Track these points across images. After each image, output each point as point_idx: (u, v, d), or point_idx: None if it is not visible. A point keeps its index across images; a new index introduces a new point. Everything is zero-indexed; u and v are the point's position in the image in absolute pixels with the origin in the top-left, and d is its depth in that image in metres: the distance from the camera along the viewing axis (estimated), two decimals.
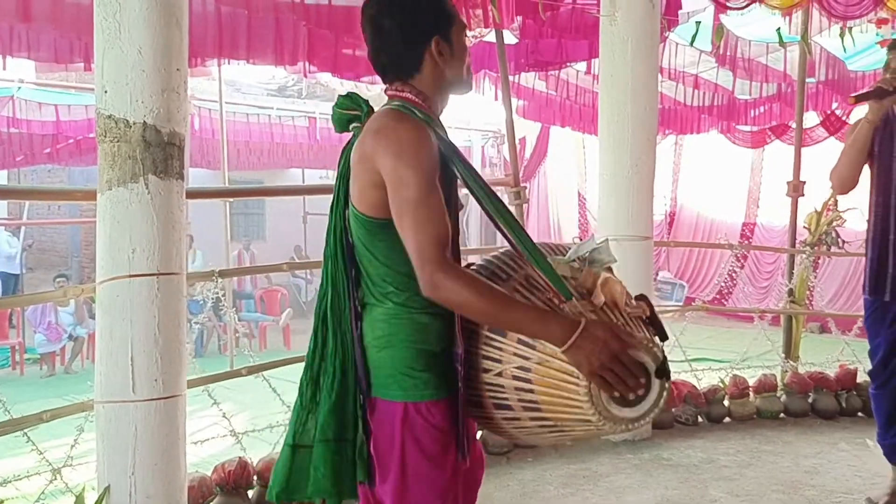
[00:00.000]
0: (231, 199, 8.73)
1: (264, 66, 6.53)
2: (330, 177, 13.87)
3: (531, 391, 1.61)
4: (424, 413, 1.68)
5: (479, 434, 4.09)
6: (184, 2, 2.71)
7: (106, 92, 2.57)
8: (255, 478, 3.46)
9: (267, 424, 3.91)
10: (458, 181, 1.78)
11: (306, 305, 13.73)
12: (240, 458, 3.45)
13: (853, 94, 3.33)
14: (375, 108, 1.80)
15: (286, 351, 9.51)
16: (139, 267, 2.60)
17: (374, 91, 15.09)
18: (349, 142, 1.80)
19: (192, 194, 3.14)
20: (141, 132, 2.55)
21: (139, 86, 2.55)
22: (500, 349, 1.64)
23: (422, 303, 1.67)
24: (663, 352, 1.62)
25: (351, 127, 1.80)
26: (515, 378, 1.62)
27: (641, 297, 1.74)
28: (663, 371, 1.60)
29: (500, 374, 1.64)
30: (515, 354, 1.61)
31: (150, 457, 2.65)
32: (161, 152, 2.60)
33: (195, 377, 3.43)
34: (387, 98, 1.78)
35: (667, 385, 1.62)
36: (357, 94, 1.81)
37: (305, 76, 7.13)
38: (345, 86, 15.52)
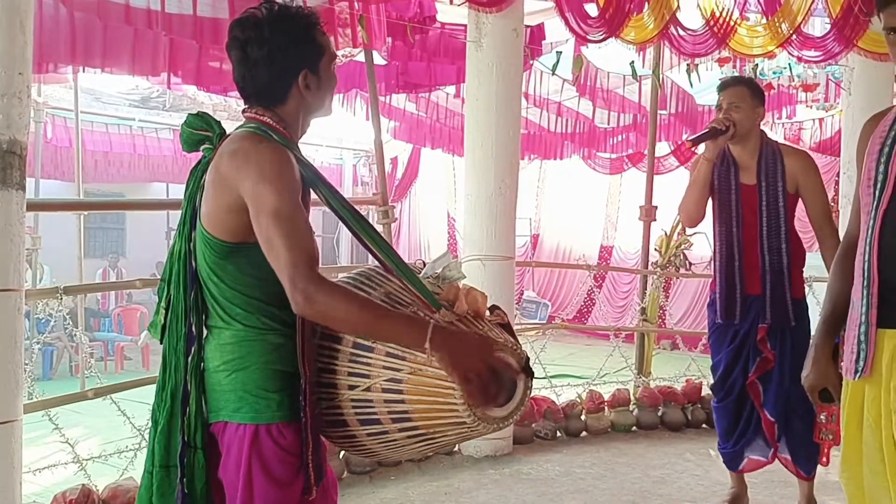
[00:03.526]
0: (85, 213, 8.28)
1: (123, 76, 6.28)
2: None
3: (402, 402, 1.65)
4: (275, 435, 1.67)
5: (341, 454, 4.06)
6: (29, 4, 2.57)
7: None
8: None
9: (116, 449, 3.72)
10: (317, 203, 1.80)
11: None
12: (83, 485, 3.26)
13: (689, 138, 3.50)
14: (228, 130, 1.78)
15: (144, 372, 9.08)
16: None
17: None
18: (198, 162, 1.77)
19: (36, 206, 2.96)
20: None
21: None
22: (368, 364, 1.66)
23: (272, 324, 1.68)
24: (525, 352, 1.72)
25: (202, 148, 1.76)
26: (386, 391, 1.65)
27: (494, 308, 1.81)
28: (527, 370, 1.70)
29: (368, 389, 1.66)
30: (385, 367, 1.64)
31: None
32: None
33: (35, 401, 3.22)
34: (246, 118, 1.76)
35: (530, 383, 1.72)
36: (209, 115, 1.79)
37: (169, 87, 6.88)
38: (213, 100, 15.13)
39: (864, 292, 1.88)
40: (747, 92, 3.40)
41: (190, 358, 1.72)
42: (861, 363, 1.85)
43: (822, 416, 3.11)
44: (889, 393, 1.82)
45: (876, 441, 1.84)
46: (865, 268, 1.88)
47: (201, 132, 1.76)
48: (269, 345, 1.68)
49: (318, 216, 17.25)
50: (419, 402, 1.64)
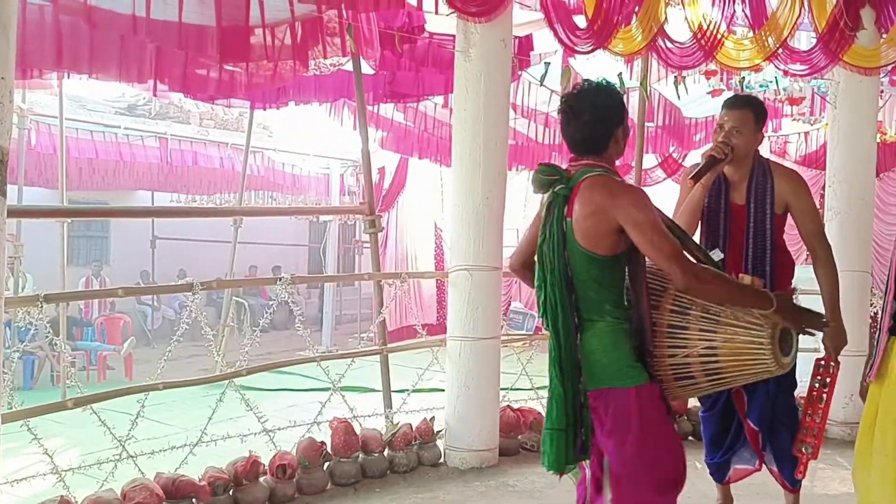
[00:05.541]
0: (68, 220, 8.20)
1: (109, 83, 6.22)
2: (181, 200, 13.32)
3: (717, 362, 2.31)
4: (648, 391, 2.33)
5: (325, 466, 3.99)
6: (12, 7, 2.53)
7: None
8: None
9: (95, 460, 3.66)
10: None
11: (152, 334, 13.04)
12: (61, 496, 3.21)
13: (690, 175, 3.34)
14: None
15: (127, 382, 8.97)
16: None
17: (232, 114, 14.61)
18: (554, 198, 2.37)
19: (18, 213, 2.92)
20: None
21: None
22: (685, 338, 2.32)
23: (623, 315, 2.35)
24: None
25: (556, 189, 2.36)
26: (702, 356, 2.31)
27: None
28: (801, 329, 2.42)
29: (687, 356, 2.33)
30: (700, 339, 2.31)
31: None
32: None
33: (14, 410, 3.17)
34: (585, 166, 2.38)
35: (799, 337, 2.41)
36: (555, 165, 2.44)
37: (155, 95, 6.80)
38: (200, 108, 14.99)
39: (885, 299, 1.98)
40: (752, 117, 3.32)
41: (578, 342, 2.34)
42: (875, 367, 1.96)
43: (804, 430, 3.11)
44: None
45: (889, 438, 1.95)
46: (890, 276, 1.99)
47: (552, 177, 2.38)
48: (625, 331, 2.34)
49: (305, 226, 17.21)
50: (733, 361, 2.29)
